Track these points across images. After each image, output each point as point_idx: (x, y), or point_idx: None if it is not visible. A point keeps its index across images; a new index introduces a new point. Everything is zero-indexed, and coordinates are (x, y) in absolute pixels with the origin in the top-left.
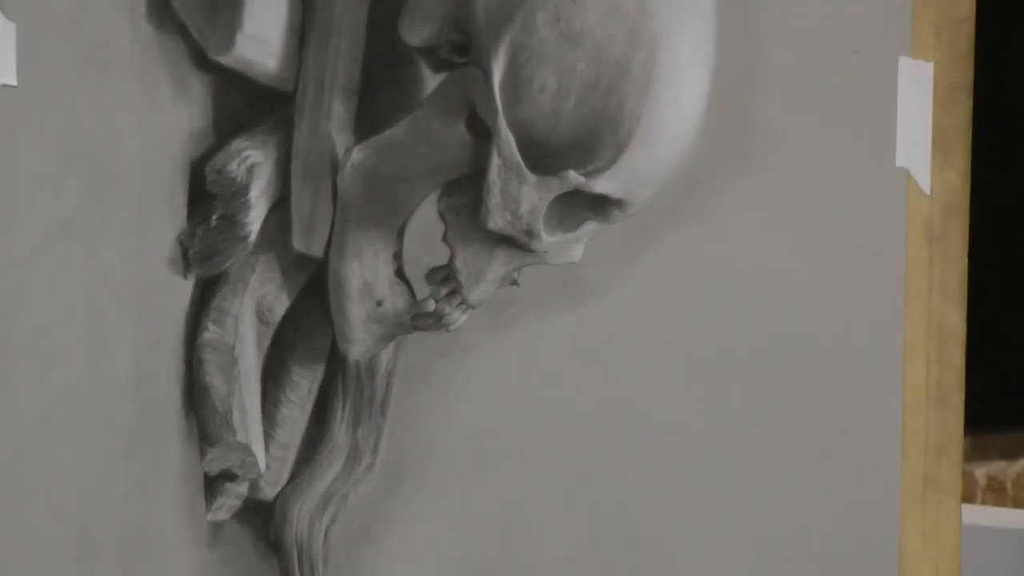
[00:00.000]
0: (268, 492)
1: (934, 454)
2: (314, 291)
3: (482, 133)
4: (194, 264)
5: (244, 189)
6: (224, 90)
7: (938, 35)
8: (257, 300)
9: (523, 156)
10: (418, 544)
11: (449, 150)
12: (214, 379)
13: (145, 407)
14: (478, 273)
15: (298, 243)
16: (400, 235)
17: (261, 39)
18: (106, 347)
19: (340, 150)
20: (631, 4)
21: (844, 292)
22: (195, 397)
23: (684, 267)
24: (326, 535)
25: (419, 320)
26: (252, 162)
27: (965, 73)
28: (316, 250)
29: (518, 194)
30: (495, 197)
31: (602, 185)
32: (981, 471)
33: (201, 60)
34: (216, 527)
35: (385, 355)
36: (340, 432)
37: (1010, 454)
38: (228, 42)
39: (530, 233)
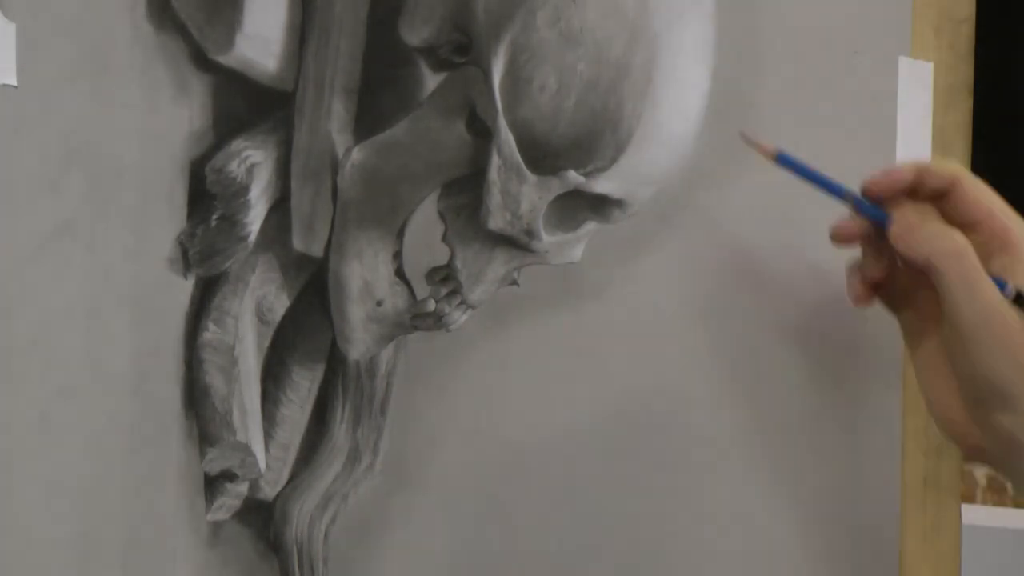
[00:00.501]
0: (268, 492)
1: (934, 454)
2: (314, 291)
3: (482, 133)
4: (194, 264)
5: (244, 189)
6: (224, 90)
7: (938, 35)
8: (257, 300)
9: (523, 156)
10: (418, 544)
11: (449, 150)
12: (214, 379)
13: (145, 407)
14: (478, 273)
15: (298, 243)
16: (400, 235)
17: (261, 39)
18: (106, 347)
19: (340, 150)
20: (631, 4)
21: (845, 292)
22: (195, 397)
23: (684, 267)
24: (326, 535)
25: (419, 320)
26: (252, 162)
27: (965, 73)
28: (316, 250)
29: (518, 194)
30: (495, 197)
31: (602, 185)
32: (981, 471)
33: (201, 60)
34: (216, 527)
35: (385, 355)
36: (340, 432)
37: None
38: (228, 42)
39: (530, 233)
